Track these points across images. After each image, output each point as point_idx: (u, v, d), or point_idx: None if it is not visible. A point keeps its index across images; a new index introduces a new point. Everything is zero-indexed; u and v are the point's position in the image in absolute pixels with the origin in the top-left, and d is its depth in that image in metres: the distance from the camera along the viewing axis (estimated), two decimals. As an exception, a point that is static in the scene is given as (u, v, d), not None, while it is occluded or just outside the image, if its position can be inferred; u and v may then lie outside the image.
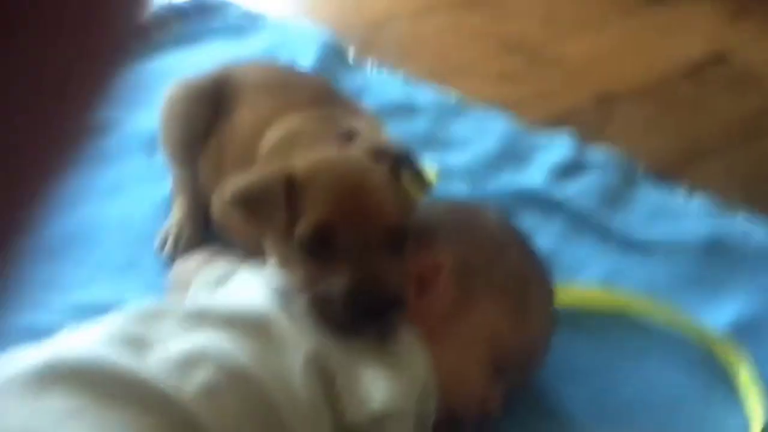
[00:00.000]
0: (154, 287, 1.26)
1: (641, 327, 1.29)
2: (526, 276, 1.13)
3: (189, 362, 0.89)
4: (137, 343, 0.91)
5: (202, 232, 1.38)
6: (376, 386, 0.94)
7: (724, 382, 1.21)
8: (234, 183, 1.09)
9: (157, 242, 1.37)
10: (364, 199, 1.03)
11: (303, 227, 1.02)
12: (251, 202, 1.07)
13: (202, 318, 0.96)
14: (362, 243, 1.01)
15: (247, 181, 1.08)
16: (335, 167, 1.06)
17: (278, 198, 1.03)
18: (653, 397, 1.19)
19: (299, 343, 0.95)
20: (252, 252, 1.17)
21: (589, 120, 1.78)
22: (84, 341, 0.92)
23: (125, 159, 1.54)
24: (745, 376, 1.19)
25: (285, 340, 0.95)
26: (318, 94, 1.36)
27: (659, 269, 1.39)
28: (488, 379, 1.06)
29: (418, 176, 1.14)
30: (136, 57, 1.63)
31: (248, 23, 1.92)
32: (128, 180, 1.50)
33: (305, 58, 1.76)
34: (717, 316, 1.30)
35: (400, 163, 1.11)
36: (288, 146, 1.18)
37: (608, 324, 1.29)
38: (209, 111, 1.37)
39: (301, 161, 1.07)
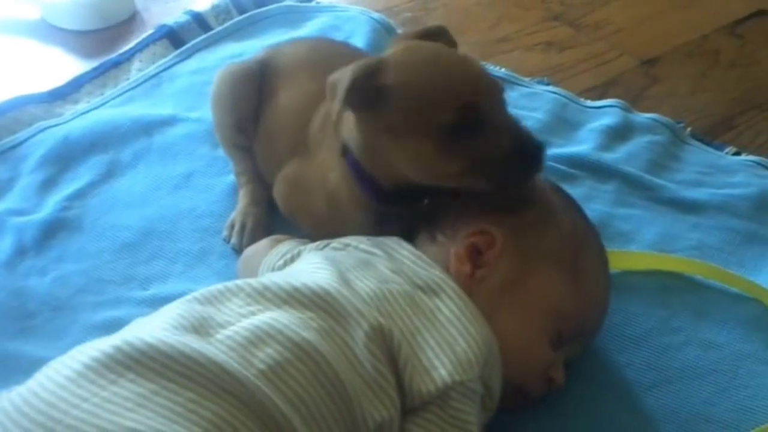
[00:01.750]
0: (226, 277, 1.25)
1: (697, 287, 1.29)
2: (578, 242, 1.12)
3: (255, 340, 0.91)
4: (204, 324, 0.93)
5: (268, 217, 1.38)
6: (440, 357, 0.95)
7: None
8: (334, 80, 1.09)
9: (224, 232, 1.38)
10: (478, 69, 1.10)
11: (445, 114, 1.04)
12: (361, 93, 1.07)
13: (265, 296, 0.97)
14: (498, 109, 1.08)
15: (348, 76, 1.07)
16: (425, 52, 1.11)
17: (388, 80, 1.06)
18: (712, 359, 1.19)
19: (362, 316, 0.96)
20: (316, 235, 1.19)
21: (635, 82, 1.79)
22: (152, 327, 0.93)
23: (192, 152, 1.55)
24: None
25: (347, 315, 0.96)
26: None
27: (711, 229, 1.39)
28: (549, 349, 1.06)
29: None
30: (197, 51, 1.69)
31: (302, 9, 1.92)
32: (196, 172, 1.51)
33: (357, 40, 1.76)
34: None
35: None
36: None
37: (664, 286, 1.29)
38: (255, 93, 1.38)
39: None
